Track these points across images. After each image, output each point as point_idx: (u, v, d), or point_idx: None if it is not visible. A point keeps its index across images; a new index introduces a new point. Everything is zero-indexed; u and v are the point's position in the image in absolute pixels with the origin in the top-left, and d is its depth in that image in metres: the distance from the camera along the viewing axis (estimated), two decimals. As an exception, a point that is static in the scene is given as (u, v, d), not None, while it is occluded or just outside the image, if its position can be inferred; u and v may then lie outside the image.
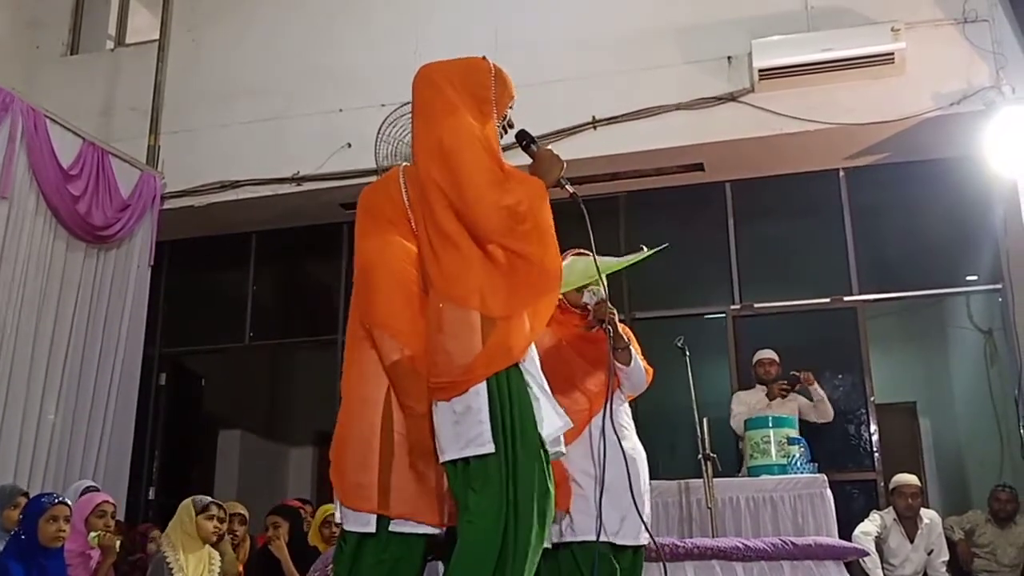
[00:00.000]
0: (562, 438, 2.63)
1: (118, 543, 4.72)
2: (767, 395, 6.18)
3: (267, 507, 6.55)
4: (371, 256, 2.90)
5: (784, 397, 6.17)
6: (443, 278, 2.56)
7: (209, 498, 4.65)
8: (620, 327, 3.23)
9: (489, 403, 2.45)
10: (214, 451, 9.29)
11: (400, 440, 2.74)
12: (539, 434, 2.49)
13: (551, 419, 2.53)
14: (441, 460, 2.52)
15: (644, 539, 3.03)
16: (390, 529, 2.72)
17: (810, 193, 7.11)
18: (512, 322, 2.51)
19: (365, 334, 2.84)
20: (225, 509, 4.79)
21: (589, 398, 3.04)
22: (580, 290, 3.15)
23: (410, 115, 5.97)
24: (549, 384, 2.64)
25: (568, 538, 3.00)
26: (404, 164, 3.00)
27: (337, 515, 2.91)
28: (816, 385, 6.16)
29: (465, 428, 2.45)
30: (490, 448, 2.42)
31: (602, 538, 2.91)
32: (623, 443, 3.05)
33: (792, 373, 6.21)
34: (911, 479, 5.98)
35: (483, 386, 2.46)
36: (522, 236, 2.53)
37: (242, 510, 5.58)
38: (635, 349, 3.21)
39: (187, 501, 4.60)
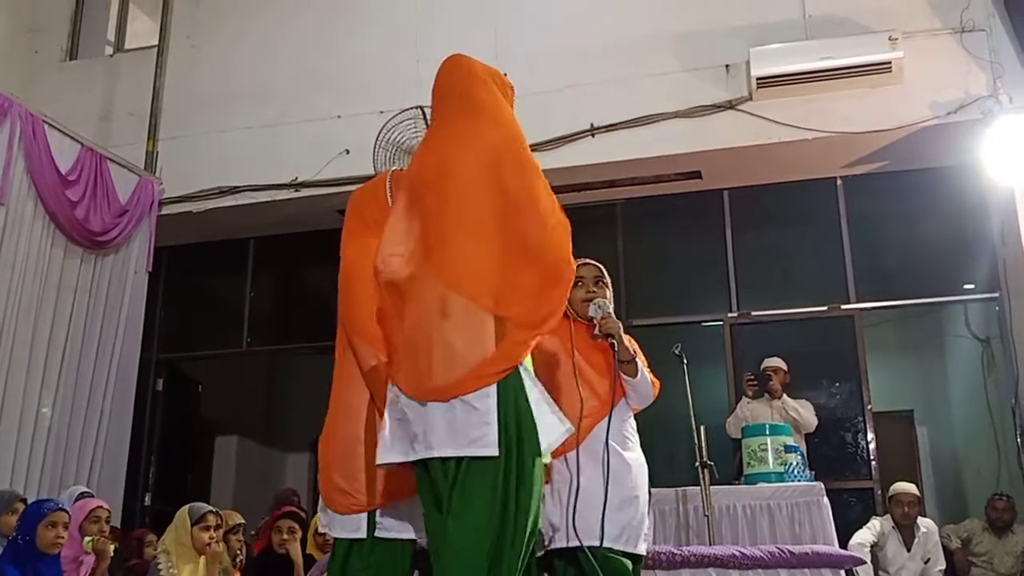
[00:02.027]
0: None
1: (112, 548, 4.70)
2: (744, 393, 6.27)
3: (263, 513, 6.54)
4: (351, 262, 2.91)
5: (755, 395, 6.21)
6: (452, 266, 2.50)
7: (207, 507, 4.60)
8: (627, 339, 3.24)
9: (497, 405, 2.42)
10: (211, 457, 9.27)
11: (381, 480, 2.74)
12: (537, 438, 2.48)
13: (553, 425, 2.51)
14: (428, 455, 2.45)
15: (642, 549, 3.03)
16: (376, 535, 2.73)
17: (808, 201, 7.11)
18: (523, 322, 2.49)
19: (347, 342, 2.86)
20: (222, 516, 4.76)
21: (594, 406, 3.04)
22: (584, 301, 3.16)
23: (409, 122, 5.99)
24: (553, 391, 2.64)
25: (561, 544, 2.99)
26: (394, 168, 3.02)
27: (321, 524, 2.92)
28: (787, 398, 6.17)
29: (467, 426, 2.40)
30: (495, 451, 2.39)
31: (603, 544, 2.90)
32: (625, 452, 3.06)
33: (763, 371, 6.24)
34: (909, 487, 5.98)
35: (492, 387, 2.44)
36: (556, 247, 2.55)
37: (240, 520, 5.56)
38: (642, 361, 3.21)
39: (183, 509, 4.55)
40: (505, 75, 2.88)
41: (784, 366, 6.28)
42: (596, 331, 3.09)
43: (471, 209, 2.55)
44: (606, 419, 3.00)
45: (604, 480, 2.89)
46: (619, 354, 3.05)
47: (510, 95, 2.84)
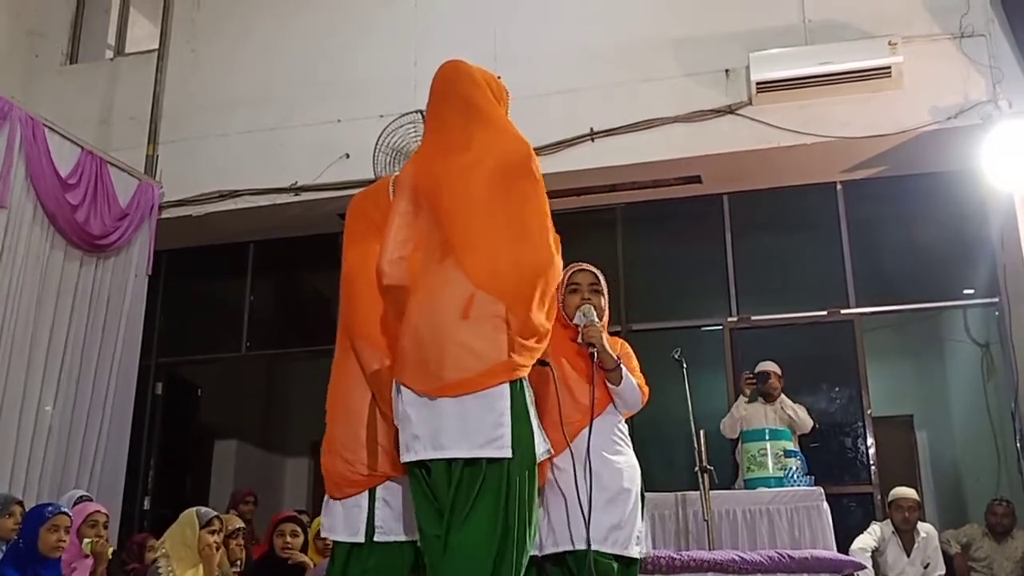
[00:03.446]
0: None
1: (111, 550, 4.69)
2: (742, 391, 6.30)
3: (262, 518, 6.54)
4: (354, 266, 2.92)
5: (751, 396, 6.23)
6: (481, 266, 2.52)
7: (213, 512, 4.59)
8: (620, 343, 3.24)
9: (510, 408, 2.44)
10: (210, 461, 9.26)
11: (383, 451, 2.75)
12: (535, 447, 2.49)
13: (538, 441, 2.55)
14: (438, 456, 2.46)
15: (634, 552, 3.02)
16: (375, 539, 2.73)
17: (807, 206, 7.12)
18: (531, 328, 2.52)
19: (349, 344, 2.86)
20: (223, 521, 4.76)
21: (582, 411, 3.05)
22: (578, 307, 3.17)
23: (409, 126, 6.00)
24: (541, 395, 2.65)
25: (551, 550, 2.99)
26: (397, 174, 3.02)
27: (324, 528, 2.92)
28: (784, 397, 6.18)
29: (483, 427, 2.41)
30: (509, 453, 2.40)
31: (589, 547, 2.90)
32: (612, 456, 3.06)
33: (759, 371, 6.25)
34: (909, 492, 5.97)
35: (506, 388, 2.45)
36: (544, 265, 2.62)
37: (240, 524, 5.56)
38: (632, 366, 3.21)
39: (190, 512, 4.51)
40: (499, 78, 2.88)
41: (778, 370, 6.28)
42: (579, 339, 3.10)
43: (494, 213, 2.57)
44: (598, 424, 3.01)
45: (587, 483, 2.89)
46: (601, 363, 3.05)
47: (505, 99, 2.85)
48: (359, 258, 2.92)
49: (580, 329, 3.10)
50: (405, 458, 2.51)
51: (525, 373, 2.51)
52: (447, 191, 2.62)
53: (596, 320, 3.11)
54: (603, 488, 2.96)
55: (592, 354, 3.05)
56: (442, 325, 2.49)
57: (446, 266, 2.56)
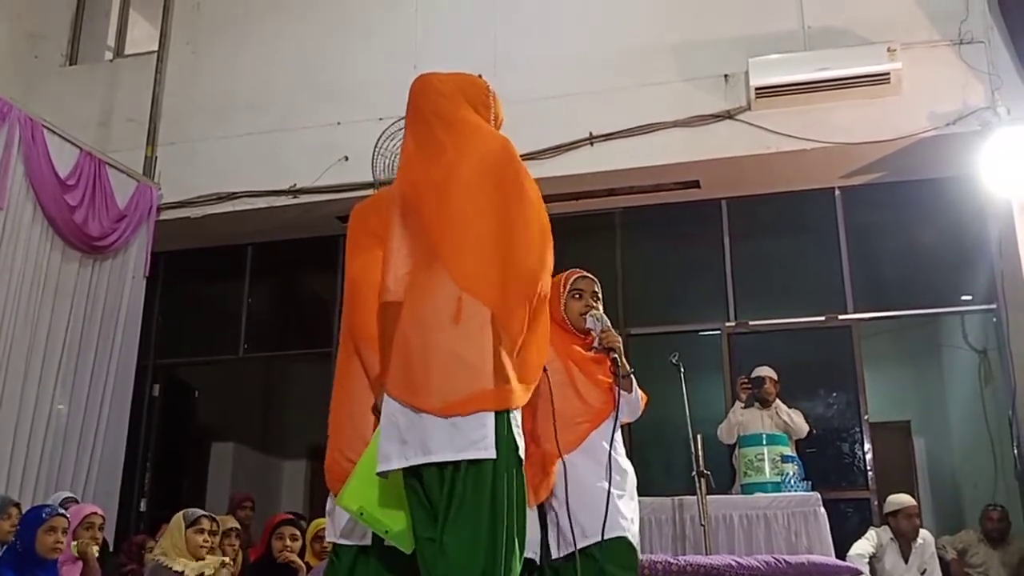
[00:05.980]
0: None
1: (96, 550, 4.67)
2: (738, 397, 6.31)
3: (259, 521, 6.53)
4: (357, 274, 2.93)
5: (747, 401, 6.24)
6: (466, 268, 2.50)
7: (200, 511, 4.61)
8: None
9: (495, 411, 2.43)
10: (207, 464, 9.24)
11: None
12: (520, 447, 2.48)
13: (520, 443, 2.53)
14: (425, 460, 2.44)
15: (615, 532, 3.02)
16: (385, 544, 2.73)
17: (806, 211, 7.13)
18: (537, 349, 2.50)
19: (353, 349, 2.86)
20: (217, 522, 4.76)
21: (593, 412, 3.06)
22: (583, 314, 3.17)
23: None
24: (544, 398, 2.64)
25: (582, 544, 2.98)
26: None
27: (328, 532, 2.92)
28: (780, 402, 6.19)
29: (465, 429, 2.40)
30: (493, 453, 2.39)
31: (586, 543, 2.91)
32: (621, 459, 3.08)
33: (754, 376, 6.25)
34: (911, 500, 5.95)
35: (492, 413, 2.43)
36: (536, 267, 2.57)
37: (235, 524, 5.56)
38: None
39: (177, 516, 4.57)
40: (480, 76, 2.86)
41: (774, 375, 6.28)
42: (596, 344, 3.11)
43: (478, 214, 2.56)
44: (607, 426, 3.03)
45: (608, 481, 2.92)
46: (620, 369, 3.07)
47: (485, 99, 2.80)
48: (361, 266, 2.93)
49: (597, 335, 3.12)
50: (398, 465, 2.49)
51: (517, 404, 2.47)
52: (429, 198, 2.62)
53: (610, 325, 3.12)
54: (620, 488, 3.00)
55: (615, 359, 3.07)
56: (431, 331, 2.47)
57: (434, 271, 2.54)
